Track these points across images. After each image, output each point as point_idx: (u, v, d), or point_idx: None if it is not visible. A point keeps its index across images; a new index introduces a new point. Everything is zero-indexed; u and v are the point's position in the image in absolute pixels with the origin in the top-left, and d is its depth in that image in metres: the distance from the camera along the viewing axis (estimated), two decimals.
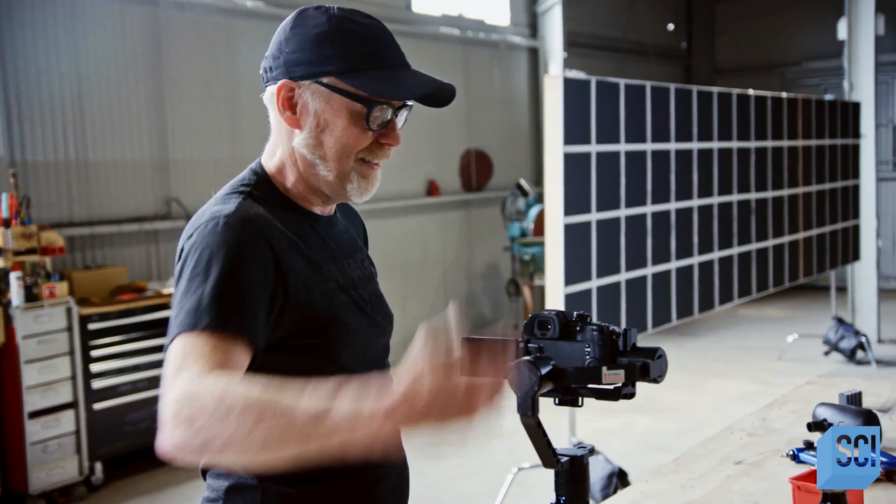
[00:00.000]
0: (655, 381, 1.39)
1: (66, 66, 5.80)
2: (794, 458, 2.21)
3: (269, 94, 1.53)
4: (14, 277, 4.89)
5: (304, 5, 1.56)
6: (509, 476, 4.68)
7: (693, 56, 12.91)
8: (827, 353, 7.91)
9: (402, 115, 1.55)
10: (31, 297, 4.92)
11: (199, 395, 1.14)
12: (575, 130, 4.39)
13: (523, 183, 8.50)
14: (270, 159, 1.58)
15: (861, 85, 8.51)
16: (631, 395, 1.40)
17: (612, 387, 1.40)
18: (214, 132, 6.71)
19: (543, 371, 1.34)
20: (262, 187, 1.55)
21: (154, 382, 5.44)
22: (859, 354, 7.72)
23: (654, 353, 1.39)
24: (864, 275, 8.50)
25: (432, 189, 8.53)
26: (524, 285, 8.49)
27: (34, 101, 5.65)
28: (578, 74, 4.35)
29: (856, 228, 8.09)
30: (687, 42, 12.80)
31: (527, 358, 1.36)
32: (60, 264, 5.61)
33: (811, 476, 1.85)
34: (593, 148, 4.51)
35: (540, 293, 8.72)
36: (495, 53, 9.34)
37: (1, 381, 4.93)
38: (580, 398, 1.43)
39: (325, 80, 1.48)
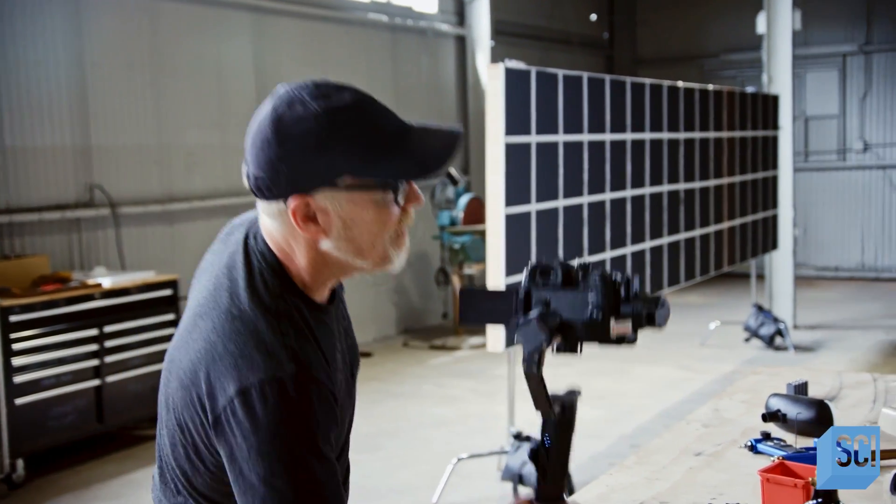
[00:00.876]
0: (659, 327, 1.38)
1: None
2: (752, 448, 2.25)
3: (274, 210, 1.41)
4: None
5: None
6: (449, 466, 4.68)
7: (615, 46, 13.08)
8: (747, 340, 8.13)
9: None
10: None
11: None
12: (515, 120, 4.39)
13: (453, 171, 8.45)
14: (290, 260, 1.45)
15: (779, 78, 8.73)
16: (633, 341, 1.40)
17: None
18: (139, 117, 6.50)
19: (553, 326, 1.34)
20: (289, 292, 1.43)
21: (79, 375, 5.27)
22: (778, 340, 7.95)
23: (658, 302, 1.38)
24: (781, 263, 8.75)
25: None
26: (454, 274, 8.49)
27: None
28: (519, 64, 4.35)
29: (774, 218, 8.33)
30: (609, 32, 12.96)
31: (536, 312, 1.35)
32: None
33: (778, 468, 1.88)
34: (533, 138, 4.52)
35: (469, 281, 8.73)
36: (423, 41, 9.30)
37: None
38: (580, 345, 1.42)
39: (340, 181, 1.38)
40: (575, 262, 1.43)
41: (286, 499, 1.32)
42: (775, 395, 2.41)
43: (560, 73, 4.78)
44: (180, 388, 1.42)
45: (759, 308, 8.08)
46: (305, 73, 7.93)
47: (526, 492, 1.40)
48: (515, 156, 4.39)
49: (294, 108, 1.38)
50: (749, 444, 2.26)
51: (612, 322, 1.38)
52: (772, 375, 3.00)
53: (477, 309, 1.49)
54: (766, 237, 8.07)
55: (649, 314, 1.38)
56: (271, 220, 1.44)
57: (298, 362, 1.35)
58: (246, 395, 1.33)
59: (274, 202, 1.40)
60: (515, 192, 4.40)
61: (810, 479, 1.61)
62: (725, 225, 7.01)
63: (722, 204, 6.93)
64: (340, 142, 1.36)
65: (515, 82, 4.37)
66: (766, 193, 8.05)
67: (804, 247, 11.80)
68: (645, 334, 1.42)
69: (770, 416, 2.36)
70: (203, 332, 1.41)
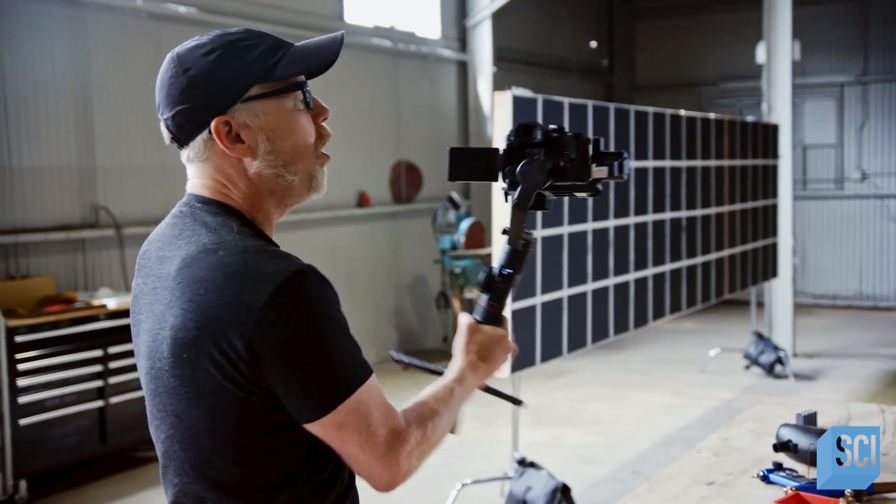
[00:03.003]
0: (623, 178, 1.56)
1: None
2: (765, 478, 2.26)
3: (200, 147, 1.46)
4: None
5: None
6: (453, 492, 4.68)
7: (614, 73, 13.18)
8: (747, 367, 8.14)
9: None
10: None
11: (416, 441, 1.45)
12: None
13: (455, 196, 8.53)
14: (229, 199, 1.47)
15: (778, 107, 8.80)
16: (598, 192, 1.58)
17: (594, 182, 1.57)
18: (143, 138, 6.54)
19: (550, 167, 1.51)
20: (257, 234, 1.46)
21: (83, 396, 5.27)
22: (778, 369, 7.97)
23: (622, 156, 1.55)
24: (781, 291, 8.77)
25: (363, 200, 8.49)
26: (454, 298, 8.51)
27: None
28: (526, 92, 4.40)
29: (774, 246, 8.37)
30: (608, 59, 13.06)
31: (542, 157, 1.52)
32: None
33: (793, 500, 1.90)
34: None
35: (469, 306, 8.74)
36: (425, 66, 9.37)
37: None
38: (546, 202, 1.59)
39: (252, 93, 1.43)
40: (552, 126, 1.58)
41: (346, 367, 1.36)
42: (786, 425, 2.43)
43: (566, 101, 4.83)
44: (186, 345, 1.35)
45: (759, 336, 8.10)
46: None
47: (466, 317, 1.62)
48: None
49: (189, 44, 1.46)
50: (761, 473, 2.27)
51: (594, 167, 1.54)
52: (777, 405, 3.02)
53: (465, 165, 1.63)
54: (765, 265, 8.11)
55: (619, 164, 1.56)
56: (200, 165, 1.48)
57: (305, 263, 1.38)
58: (283, 286, 1.31)
59: (199, 137, 1.45)
60: None
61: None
62: (726, 252, 7.05)
63: (723, 232, 6.98)
64: (241, 52, 1.44)
65: (522, 110, 4.41)
66: (766, 221, 8.09)
67: (802, 275, 11.85)
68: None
69: (781, 445, 2.37)
70: (194, 286, 1.35)
